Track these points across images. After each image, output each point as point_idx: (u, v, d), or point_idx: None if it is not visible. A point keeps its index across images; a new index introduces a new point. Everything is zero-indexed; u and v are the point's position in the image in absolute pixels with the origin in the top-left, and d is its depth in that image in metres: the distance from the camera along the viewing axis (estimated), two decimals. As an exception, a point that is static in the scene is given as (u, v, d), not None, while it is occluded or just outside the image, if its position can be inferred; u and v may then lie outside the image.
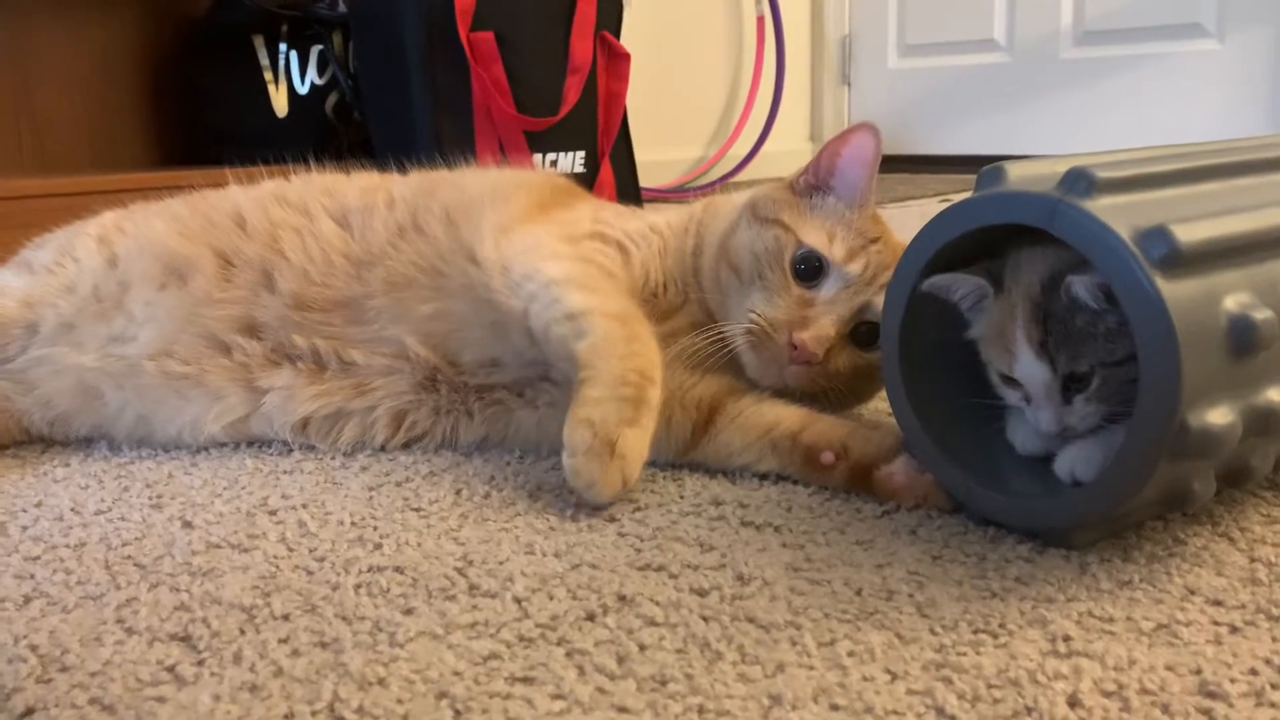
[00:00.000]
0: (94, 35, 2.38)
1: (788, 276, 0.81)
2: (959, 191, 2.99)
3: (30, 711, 0.50)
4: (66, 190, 2.05)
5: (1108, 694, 0.49)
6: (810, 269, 0.81)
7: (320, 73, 2.39)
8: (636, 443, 0.71)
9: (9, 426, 0.90)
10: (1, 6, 2.27)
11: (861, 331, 0.81)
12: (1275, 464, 0.68)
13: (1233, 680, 0.49)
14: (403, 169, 1.07)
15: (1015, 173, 0.64)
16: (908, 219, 2.46)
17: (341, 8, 2.32)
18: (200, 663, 0.54)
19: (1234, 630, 0.54)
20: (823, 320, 0.79)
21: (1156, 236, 0.57)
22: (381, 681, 0.51)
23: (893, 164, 3.81)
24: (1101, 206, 0.59)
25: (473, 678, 0.51)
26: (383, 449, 0.87)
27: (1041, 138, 3.44)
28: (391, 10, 2.12)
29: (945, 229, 0.67)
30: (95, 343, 0.89)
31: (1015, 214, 0.62)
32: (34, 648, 0.55)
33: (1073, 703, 0.48)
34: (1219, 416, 0.58)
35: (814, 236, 0.82)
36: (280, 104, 2.37)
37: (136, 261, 0.92)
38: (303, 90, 2.38)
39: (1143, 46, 3.24)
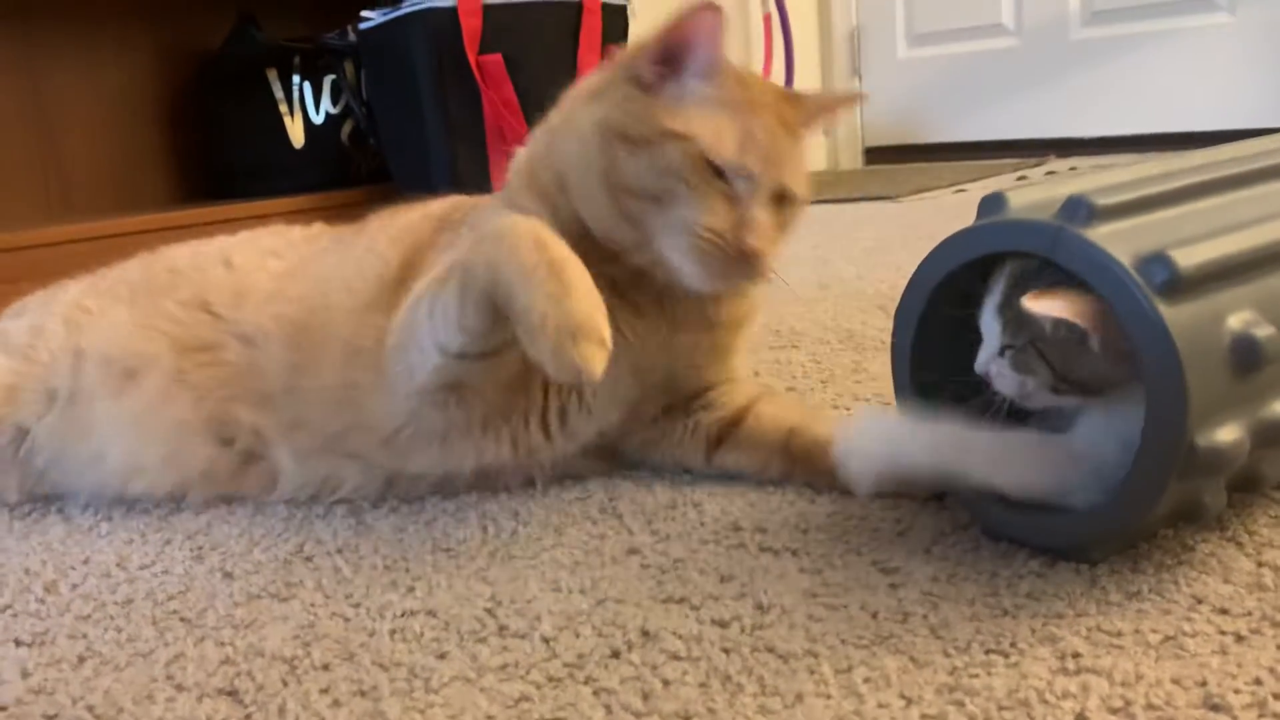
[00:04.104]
0: (112, 78, 2.43)
1: (712, 181, 0.77)
2: (974, 180, 2.99)
3: (90, 773, 0.53)
4: (94, 235, 2.11)
5: (1114, 710, 0.50)
6: (718, 172, 0.78)
7: (334, 102, 2.43)
8: (583, 302, 0.68)
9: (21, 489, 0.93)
10: (22, 54, 2.32)
11: (775, 198, 0.80)
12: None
13: (1236, 691, 0.51)
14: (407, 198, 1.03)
15: (1016, 200, 0.66)
16: (924, 212, 2.47)
17: (352, 37, 2.35)
18: (247, 717, 0.56)
19: (1239, 639, 0.56)
20: (760, 215, 0.77)
21: (1157, 262, 0.58)
22: (419, 729, 0.54)
23: (907, 153, 3.81)
24: (1102, 234, 0.60)
25: (505, 721, 0.54)
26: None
27: (1055, 120, 3.42)
28: (400, 38, 2.15)
29: (951, 256, 0.68)
30: (83, 463, 0.91)
31: (1019, 242, 0.64)
32: (90, 708, 0.58)
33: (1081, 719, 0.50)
34: (1227, 434, 0.59)
35: (708, 137, 0.77)
36: (297, 135, 2.42)
37: (94, 368, 0.91)
38: (318, 120, 2.43)
39: (1153, 23, 3.22)
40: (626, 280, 0.81)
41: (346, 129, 2.45)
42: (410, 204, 1.00)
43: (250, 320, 0.90)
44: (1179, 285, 0.58)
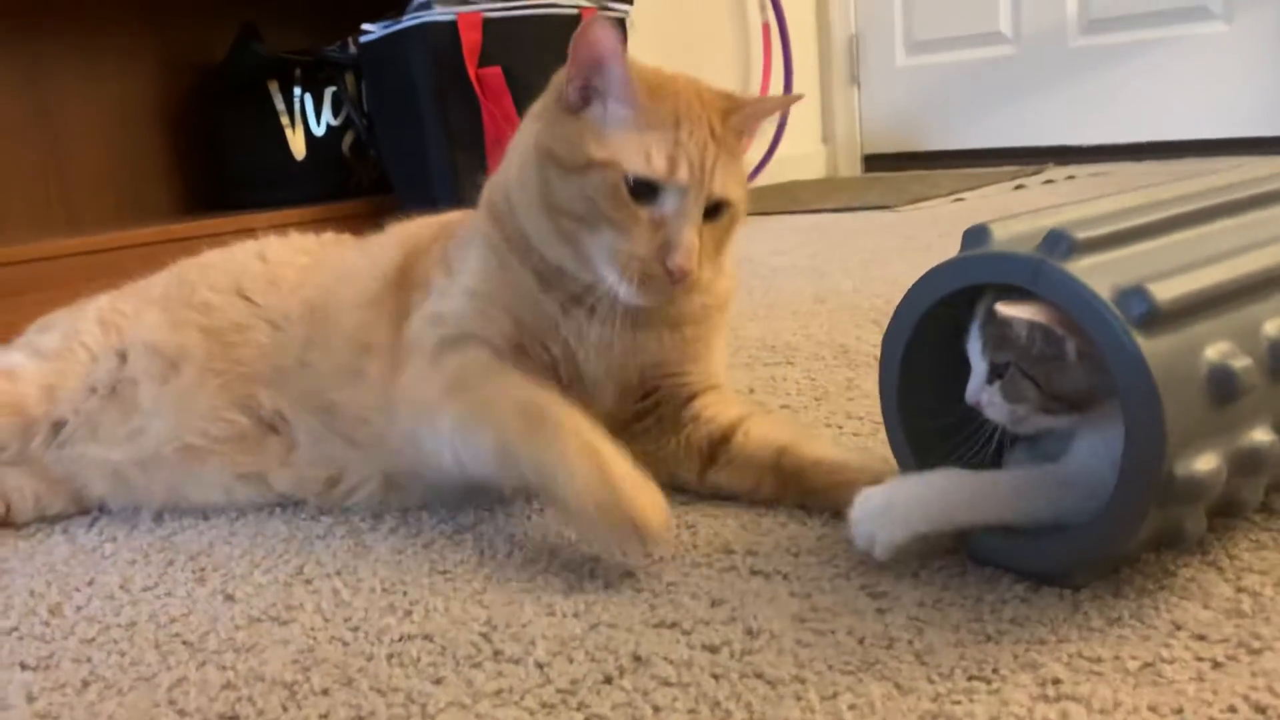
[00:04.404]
0: (115, 89, 2.45)
1: (633, 210, 0.79)
2: (972, 189, 3.00)
3: (95, 799, 0.54)
4: (97, 248, 2.12)
5: (1093, 739, 0.52)
6: (646, 192, 0.79)
7: (335, 113, 2.45)
8: (621, 469, 0.73)
9: (36, 507, 0.97)
10: (26, 66, 2.34)
11: (709, 209, 0.81)
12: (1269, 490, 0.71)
13: (1211, 719, 0.52)
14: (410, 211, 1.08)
15: (999, 233, 0.67)
16: (921, 222, 2.48)
17: (352, 49, 2.37)
18: (248, 742, 0.58)
19: (1216, 666, 0.57)
20: (684, 234, 0.79)
21: (1135, 296, 0.60)
22: (415, 755, 0.55)
23: (906, 161, 3.83)
24: (1082, 267, 0.62)
25: (499, 747, 0.55)
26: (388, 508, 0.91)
27: (1053, 128, 3.44)
28: (401, 51, 2.17)
29: (936, 286, 0.69)
30: (119, 439, 0.96)
31: (1002, 274, 0.65)
32: (95, 733, 0.60)
33: (1059, 750, 0.51)
34: (1204, 463, 0.61)
35: (633, 160, 0.79)
36: (298, 146, 2.43)
37: (141, 358, 0.98)
38: (319, 131, 2.44)
39: (1149, 31, 3.24)
40: (583, 290, 0.83)
41: (347, 140, 2.47)
42: (422, 217, 1.04)
43: (278, 306, 0.98)
44: (1157, 318, 0.59)
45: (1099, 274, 0.61)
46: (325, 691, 0.62)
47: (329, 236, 1.12)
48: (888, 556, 0.69)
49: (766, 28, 3.60)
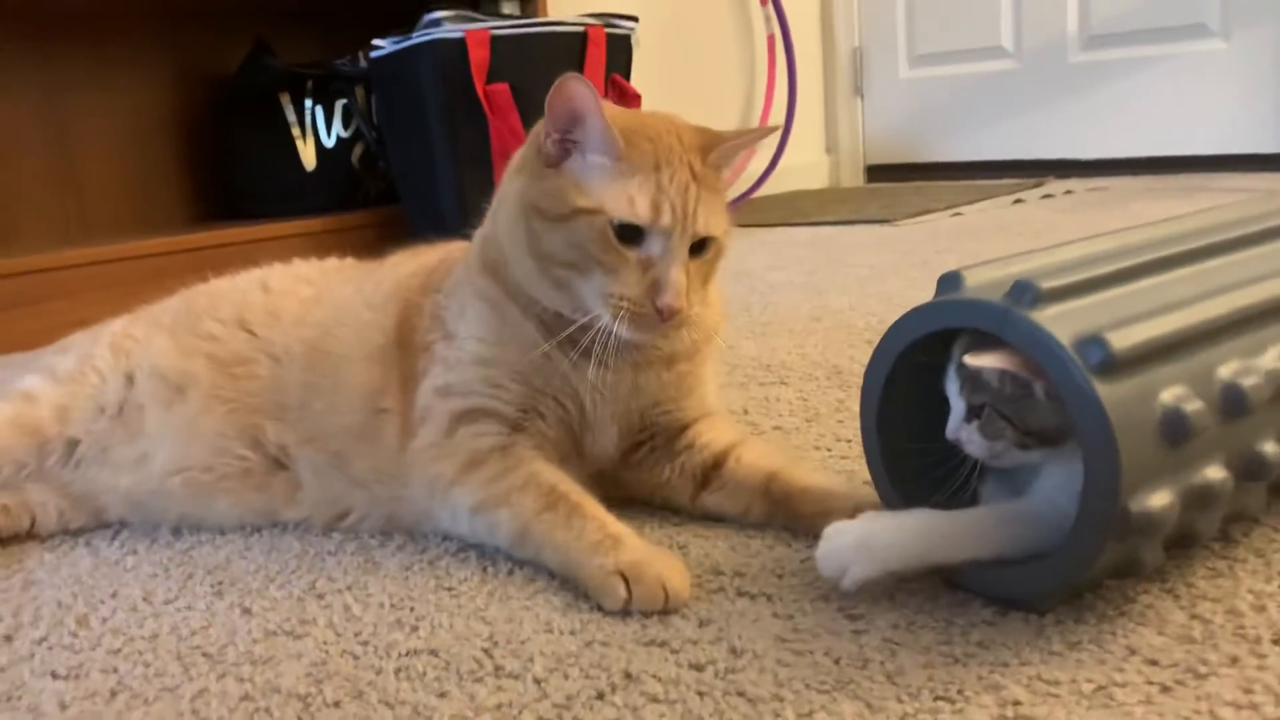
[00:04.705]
0: (129, 101, 2.50)
1: (621, 252, 0.82)
2: (971, 202, 3.05)
3: (126, 802, 0.59)
4: (111, 257, 2.17)
5: (1044, 757, 0.56)
6: (631, 235, 0.82)
7: (345, 126, 2.50)
8: (639, 547, 0.79)
9: (59, 521, 1.02)
10: (41, 79, 2.39)
11: (694, 246, 0.85)
12: (1224, 522, 0.75)
13: (1154, 741, 0.57)
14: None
15: (971, 280, 0.72)
16: (920, 237, 2.53)
17: (363, 63, 2.42)
18: (266, 751, 0.63)
19: (1164, 690, 0.61)
20: (672, 273, 0.82)
21: (1094, 344, 0.64)
22: (420, 765, 0.60)
23: (907, 172, 3.87)
24: (1046, 315, 0.66)
25: (498, 759, 0.60)
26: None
27: (1052, 142, 3.49)
28: (410, 67, 2.22)
29: (912, 329, 0.74)
30: (127, 465, 1.00)
31: (973, 320, 0.70)
32: (124, 741, 0.65)
33: (1012, 767, 0.56)
34: (1158, 500, 0.65)
35: (617, 206, 0.82)
36: (309, 157, 2.49)
37: (147, 382, 1.02)
38: (329, 143, 2.49)
39: (1149, 48, 3.28)
40: (581, 335, 0.87)
41: (357, 152, 2.52)
42: (416, 249, 1.08)
43: (279, 340, 1.01)
44: (1114, 364, 0.64)
45: (1061, 322, 0.66)
46: (337, 704, 0.67)
47: (331, 264, 1.15)
48: (854, 589, 0.73)
49: (771, 39, 3.65)
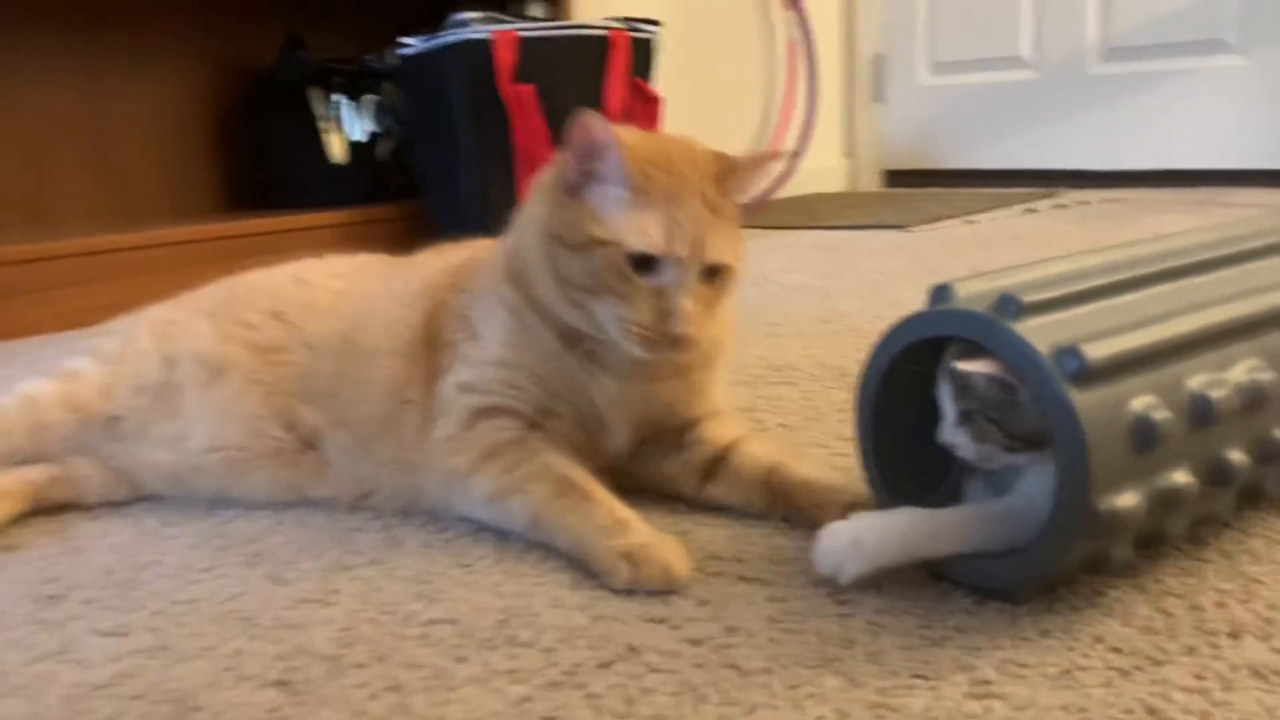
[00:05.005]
0: (166, 92, 2.58)
1: (634, 281, 0.87)
2: (987, 210, 3.09)
3: (173, 745, 0.65)
4: (147, 243, 2.24)
5: (1008, 730, 0.62)
6: (645, 264, 0.87)
7: (373, 121, 2.56)
8: (645, 532, 0.85)
9: (102, 493, 1.08)
10: (81, 69, 2.46)
11: (706, 273, 0.89)
12: (1194, 524, 0.80)
13: (1109, 716, 0.62)
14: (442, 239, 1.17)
15: (961, 291, 0.77)
16: (932, 244, 2.57)
17: (391, 60, 2.48)
18: (299, 704, 0.68)
19: (1123, 674, 0.67)
20: (683, 302, 0.86)
21: (1070, 354, 0.69)
22: (439, 720, 0.66)
23: (924, 178, 3.92)
24: (1027, 327, 0.72)
25: (510, 717, 0.65)
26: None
27: (1070, 153, 3.52)
28: (438, 66, 2.28)
29: (902, 337, 0.79)
30: (166, 442, 1.06)
31: (960, 329, 0.75)
32: (169, 692, 0.71)
33: (978, 738, 0.61)
34: (1126, 501, 0.70)
35: (631, 236, 0.86)
36: (336, 151, 2.55)
37: (186, 364, 1.08)
38: (357, 138, 2.56)
39: (1168, 62, 3.31)
40: (599, 348, 0.92)
41: (383, 147, 2.58)
42: (443, 248, 1.14)
43: (313, 330, 1.07)
44: (1088, 374, 0.69)
45: (1041, 334, 0.71)
46: (363, 665, 0.73)
47: (360, 259, 1.20)
48: (850, 584, 0.79)
49: (792, 45, 3.69)
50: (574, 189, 0.90)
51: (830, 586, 0.80)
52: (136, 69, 2.54)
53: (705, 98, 3.37)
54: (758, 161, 0.94)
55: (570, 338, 0.94)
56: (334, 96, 2.53)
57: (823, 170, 3.92)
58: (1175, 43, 3.29)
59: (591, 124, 0.87)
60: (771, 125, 3.68)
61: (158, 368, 1.09)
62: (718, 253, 0.89)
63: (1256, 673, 0.66)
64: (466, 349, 0.99)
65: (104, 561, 0.94)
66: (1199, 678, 0.66)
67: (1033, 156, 3.61)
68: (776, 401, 1.32)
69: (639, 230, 0.86)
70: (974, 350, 0.75)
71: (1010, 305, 0.72)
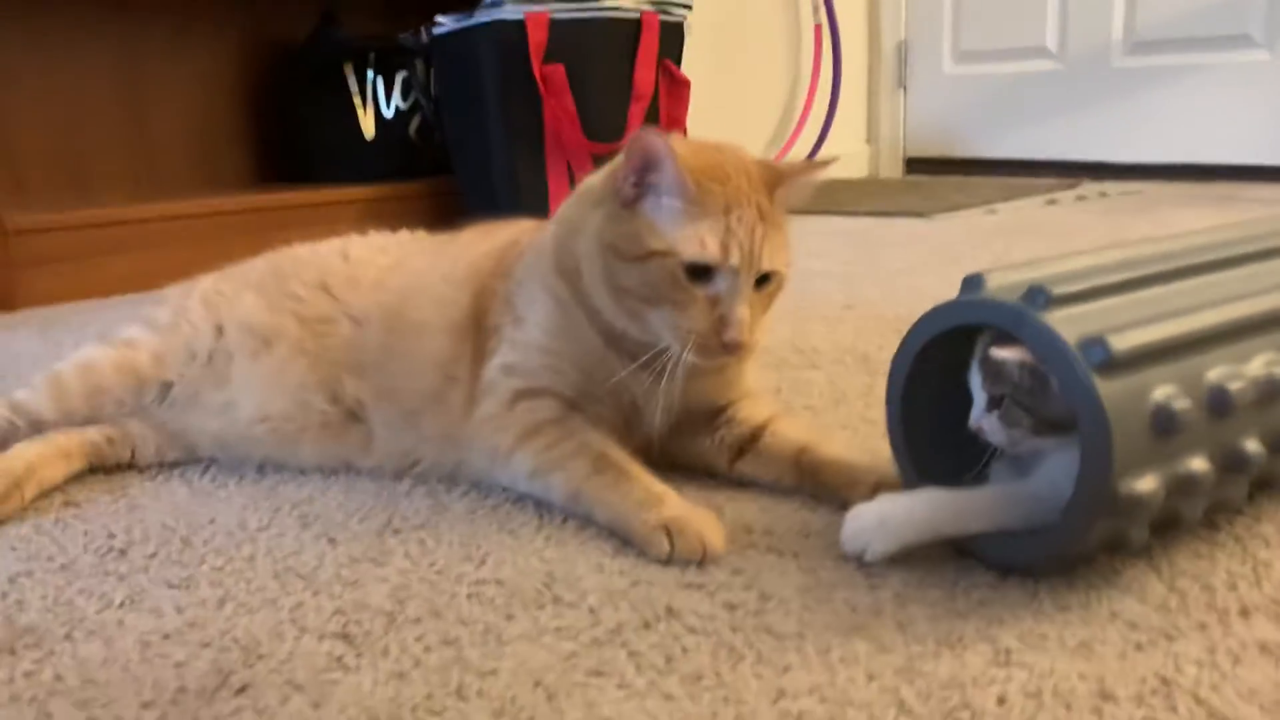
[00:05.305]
0: (200, 67, 2.61)
1: (690, 290, 0.90)
2: (1009, 200, 3.11)
3: (245, 688, 0.69)
4: (181, 214, 2.29)
5: (1029, 695, 0.66)
6: (701, 273, 0.90)
7: (404, 98, 2.60)
8: (681, 505, 0.89)
9: (156, 454, 1.13)
10: (119, 43, 2.50)
11: (757, 280, 0.92)
12: (1209, 510, 0.84)
13: (1125, 686, 0.66)
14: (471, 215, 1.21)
15: (992, 282, 0.80)
16: (954, 233, 2.60)
17: (424, 38, 2.51)
18: (359, 655, 0.73)
19: (1138, 648, 0.71)
20: (738, 310, 0.89)
21: (1096, 344, 0.73)
22: (493, 672, 0.70)
23: (946, 166, 3.93)
24: (1055, 317, 0.75)
25: (559, 671, 0.70)
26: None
27: (1092, 144, 3.53)
28: (470, 45, 2.31)
29: (934, 325, 0.83)
30: (215, 409, 1.11)
31: (991, 317, 0.79)
32: (236, 640, 0.75)
33: (1001, 700, 0.65)
34: (1145, 484, 0.74)
35: (689, 247, 0.89)
36: (368, 127, 2.59)
37: (235, 333, 1.12)
38: (389, 114, 2.60)
39: (1193, 56, 3.32)
40: (642, 352, 0.95)
41: (414, 124, 2.62)
42: (488, 227, 1.18)
43: (359, 304, 1.11)
44: (1113, 364, 0.73)
45: (1069, 324, 0.75)
46: (418, 620, 0.77)
47: (404, 235, 1.25)
48: (877, 561, 0.83)
49: (819, 30, 3.71)
50: (630, 201, 0.92)
51: (859, 562, 0.84)
52: (174, 44, 2.58)
53: (730, 81, 3.39)
54: (806, 170, 0.97)
55: (613, 338, 0.98)
56: (367, 73, 2.56)
57: (845, 156, 3.94)
58: (1200, 37, 3.30)
59: (651, 139, 0.89)
60: (796, 110, 3.70)
61: (208, 337, 1.14)
62: (771, 261, 0.92)
63: (1265, 649, 0.70)
64: (511, 332, 1.02)
65: (163, 519, 0.98)
66: (1210, 652, 0.70)
67: (1055, 148, 3.62)
68: (802, 385, 1.35)
69: (696, 241, 0.89)
70: (1006, 338, 0.78)
71: (1039, 296, 0.76)
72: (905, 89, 4.02)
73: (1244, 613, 0.75)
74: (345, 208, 2.47)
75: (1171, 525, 0.82)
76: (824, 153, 3.57)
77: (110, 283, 2.16)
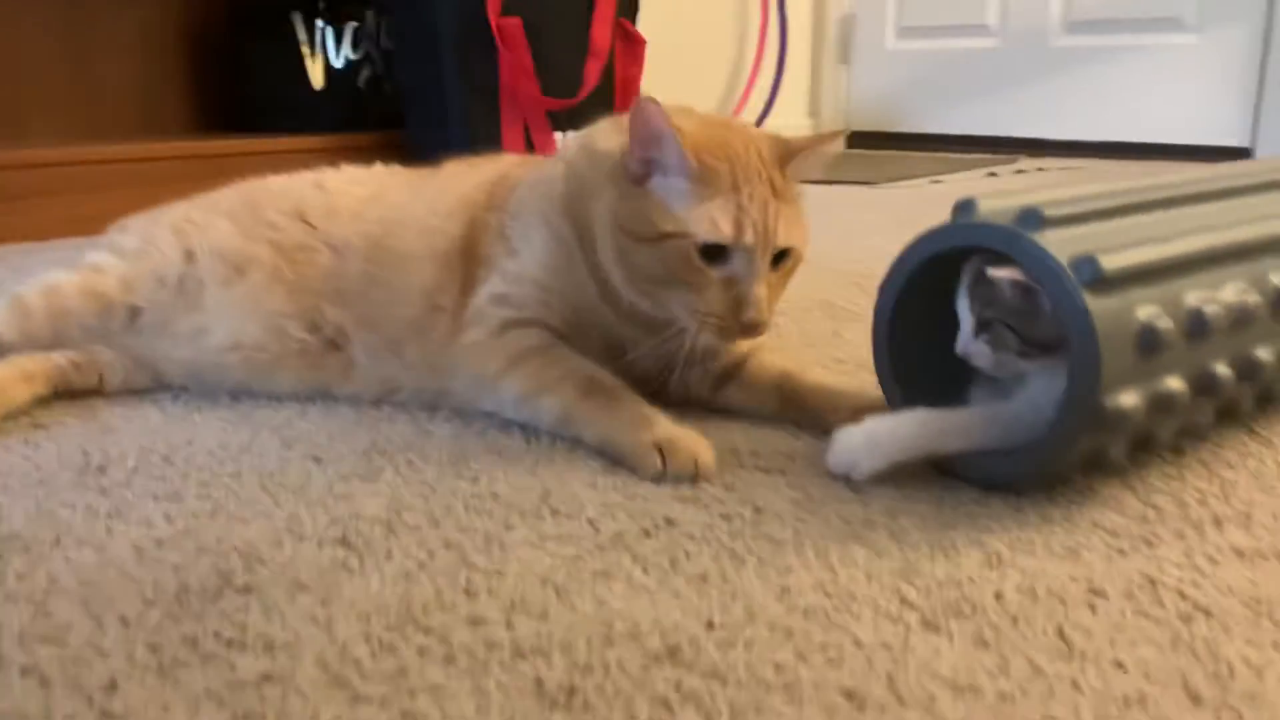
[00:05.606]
0: (143, 12, 2.53)
1: (706, 272, 0.89)
2: (950, 172, 3.17)
3: (248, 589, 0.69)
4: (120, 157, 2.23)
5: (1023, 591, 0.68)
6: (716, 254, 0.89)
7: (354, 48, 2.55)
8: (670, 426, 0.89)
9: (125, 381, 1.10)
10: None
11: (774, 258, 0.91)
12: (1178, 433, 0.88)
13: (1113, 583, 0.69)
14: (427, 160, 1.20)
15: (984, 206, 0.83)
16: (901, 200, 2.64)
17: (376, -10, 2.47)
18: (361, 559, 0.73)
19: (1121, 553, 0.74)
20: (756, 290, 0.89)
21: (1087, 263, 0.76)
22: (500, 572, 0.70)
23: (888, 141, 3.99)
24: (1048, 238, 0.78)
25: (566, 571, 0.71)
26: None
27: (1029, 121, 3.61)
28: (426, -3, 2.27)
29: (928, 246, 0.85)
30: (186, 337, 1.08)
31: (986, 240, 0.81)
32: (235, 547, 0.74)
33: (998, 596, 0.67)
34: (1129, 399, 0.77)
35: (702, 227, 0.87)
36: (316, 77, 2.54)
37: (207, 260, 1.10)
38: (338, 64, 2.55)
39: (1127, 37, 3.41)
40: (649, 320, 0.96)
41: (364, 75, 2.58)
42: (471, 160, 1.17)
43: (338, 233, 1.10)
44: (1102, 282, 0.75)
45: (1061, 245, 0.77)
46: (418, 528, 0.77)
47: (379, 169, 1.23)
48: (864, 479, 0.85)
49: (765, 1, 3.73)
50: (639, 179, 0.90)
51: (845, 480, 0.86)
52: (114, -15, 2.50)
53: (681, 44, 3.39)
54: (816, 143, 0.96)
55: (609, 296, 0.97)
56: (316, 23, 2.51)
57: (788, 129, 3.96)
58: (1135, 18, 3.39)
59: (649, 111, 0.87)
60: (743, 78, 3.72)
61: (178, 262, 1.11)
62: (786, 237, 0.91)
63: (1239, 552, 0.73)
64: (504, 264, 1.02)
65: (139, 440, 0.96)
66: (1189, 556, 0.73)
67: (993, 124, 3.70)
68: (771, 330, 1.37)
69: (708, 221, 0.87)
70: (997, 262, 0.80)
71: (1033, 218, 0.78)
72: (849, 64, 4.06)
73: (1216, 523, 0.78)
74: (291, 157, 2.40)
75: (1146, 445, 0.86)
76: (767, 125, 3.60)
77: (47, 225, 2.09)
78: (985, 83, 3.71)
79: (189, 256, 1.11)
